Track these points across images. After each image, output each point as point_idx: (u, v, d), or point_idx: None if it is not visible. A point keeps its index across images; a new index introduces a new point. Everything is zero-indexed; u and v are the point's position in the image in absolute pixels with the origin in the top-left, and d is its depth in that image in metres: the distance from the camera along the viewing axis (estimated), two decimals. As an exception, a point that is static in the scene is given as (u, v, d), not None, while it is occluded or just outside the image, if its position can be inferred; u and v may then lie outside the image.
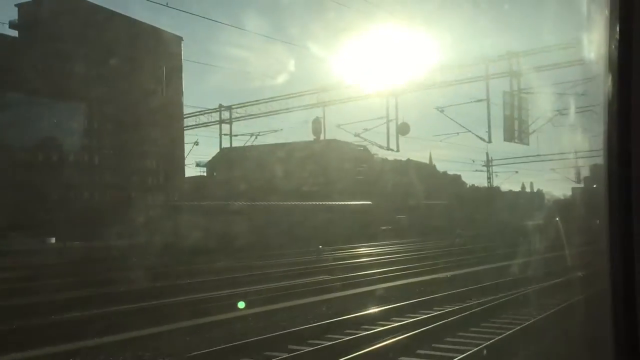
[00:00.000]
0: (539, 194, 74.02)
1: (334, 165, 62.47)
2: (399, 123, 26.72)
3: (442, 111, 25.48)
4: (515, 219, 54.68)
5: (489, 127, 24.31)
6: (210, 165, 74.76)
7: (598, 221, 1.89)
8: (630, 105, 1.62)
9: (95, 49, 52.15)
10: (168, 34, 58.23)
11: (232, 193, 53.12)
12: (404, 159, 75.40)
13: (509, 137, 23.67)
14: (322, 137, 26.46)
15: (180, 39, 58.67)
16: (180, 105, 57.30)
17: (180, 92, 57.61)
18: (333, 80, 28.50)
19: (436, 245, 30.60)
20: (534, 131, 25.29)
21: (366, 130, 28.47)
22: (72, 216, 41.01)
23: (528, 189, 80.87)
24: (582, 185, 51.27)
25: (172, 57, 57.84)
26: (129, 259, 22.16)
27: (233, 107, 36.62)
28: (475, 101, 25.55)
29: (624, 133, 1.64)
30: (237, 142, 35.81)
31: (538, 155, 47.16)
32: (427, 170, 72.54)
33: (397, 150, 27.67)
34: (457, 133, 29.54)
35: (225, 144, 39.88)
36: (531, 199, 70.41)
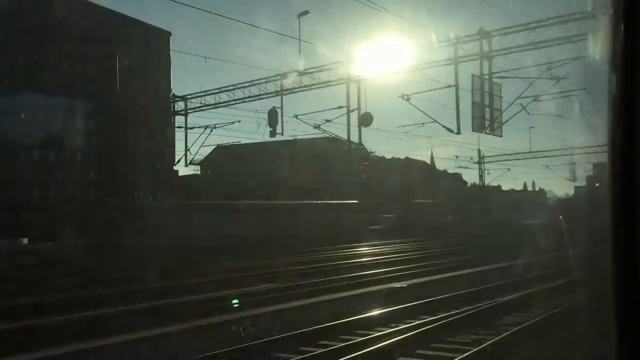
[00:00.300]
0: (541, 193, 72.20)
1: (329, 163, 60.93)
2: (361, 113, 24.37)
3: (407, 99, 23.11)
4: (513, 218, 53.13)
5: (457, 116, 21.72)
6: (204, 164, 73.37)
7: (603, 220, 1.76)
8: (635, 104, 1.62)
9: (78, 43, 50.82)
10: (155, 28, 56.91)
11: (221, 192, 51.75)
12: (402, 157, 73.96)
13: (479, 127, 21.18)
14: (279, 129, 24.31)
15: (168, 33, 57.23)
16: (168, 101, 55.82)
17: (168, 88, 56.12)
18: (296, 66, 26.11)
19: (418, 247, 28.82)
20: (507, 120, 22.76)
21: (327, 121, 26.20)
22: (52, 216, 39.78)
23: (530, 188, 78.87)
24: (582, 183, 49.45)
25: (159, 52, 56.43)
26: (74, 261, 20.71)
27: (188, 97, 34.53)
28: (443, 87, 22.88)
29: (629, 132, 1.62)
30: (193, 136, 33.43)
31: (530, 152, 45.25)
32: (425, 169, 70.64)
33: (360, 143, 25.38)
34: (423, 123, 26.61)
35: (180, 137, 37.19)
36: (532, 198, 68.44)
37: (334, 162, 63.02)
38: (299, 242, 27.66)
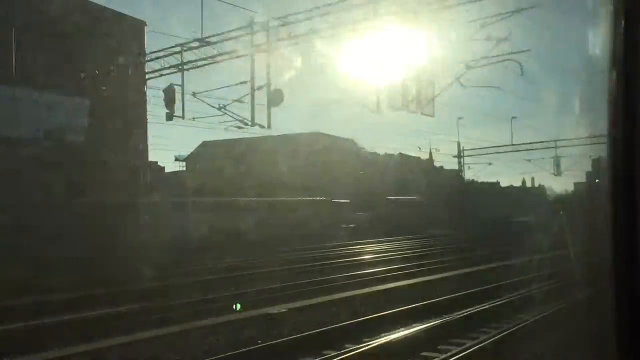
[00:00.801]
0: (540, 190, 69.14)
1: (313, 160, 58.41)
2: (271, 90, 20.30)
3: (322, 70, 19.12)
4: (509, 215, 50.61)
5: (378, 91, 17.42)
6: (190, 159, 71.15)
7: (602, 216, 1.75)
8: (635, 99, 1.61)
9: (44, 33, 48.70)
10: (129, 18, 54.52)
11: (200, 188, 49.43)
12: (395, 152, 70.97)
13: (401, 104, 17.15)
14: (175, 110, 20.79)
15: (143, 23, 54.80)
16: (142, 93, 53.62)
17: (142, 81, 53.80)
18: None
19: (375, 250, 26.03)
20: (438, 94, 18.45)
21: (235, 101, 22.28)
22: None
23: (529, 184, 75.82)
24: (576, 180, 46.79)
25: (133, 43, 53.93)
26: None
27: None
28: (365, 54, 18.45)
29: (629, 128, 1.61)
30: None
31: (512, 144, 42.27)
32: (419, 165, 67.64)
33: (268, 127, 21.26)
34: (339, 101, 21.32)
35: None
36: (531, 195, 65.41)
37: (323, 157, 60.57)
38: (260, 240, 25.07)
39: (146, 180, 55.88)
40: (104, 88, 49.21)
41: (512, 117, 44.07)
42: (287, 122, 65.13)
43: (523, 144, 42.46)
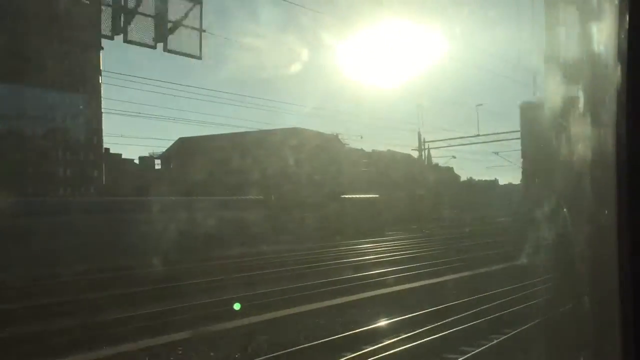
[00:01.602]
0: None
1: (290, 156, 54.79)
2: None
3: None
4: (499, 214, 47.04)
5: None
6: (165, 157, 67.80)
7: (606, 211, 1.75)
8: None
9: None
10: (82, 4, 51.43)
11: (167, 187, 46.15)
12: (385, 149, 66.76)
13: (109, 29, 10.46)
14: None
15: (98, 12, 51.51)
16: (97, 86, 50.53)
17: (97, 71, 50.56)
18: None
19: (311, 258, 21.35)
20: (176, 27, 11.41)
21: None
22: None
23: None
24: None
25: (85, 34, 50.75)
26: None
27: None
28: None
29: (634, 124, 1.57)
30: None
31: (478, 135, 37.47)
32: (410, 162, 63.24)
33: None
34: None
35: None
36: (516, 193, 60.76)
37: (301, 154, 57.06)
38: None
39: (98, 176, 52.50)
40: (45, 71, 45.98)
41: (478, 105, 39.39)
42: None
43: (489, 134, 37.51)
